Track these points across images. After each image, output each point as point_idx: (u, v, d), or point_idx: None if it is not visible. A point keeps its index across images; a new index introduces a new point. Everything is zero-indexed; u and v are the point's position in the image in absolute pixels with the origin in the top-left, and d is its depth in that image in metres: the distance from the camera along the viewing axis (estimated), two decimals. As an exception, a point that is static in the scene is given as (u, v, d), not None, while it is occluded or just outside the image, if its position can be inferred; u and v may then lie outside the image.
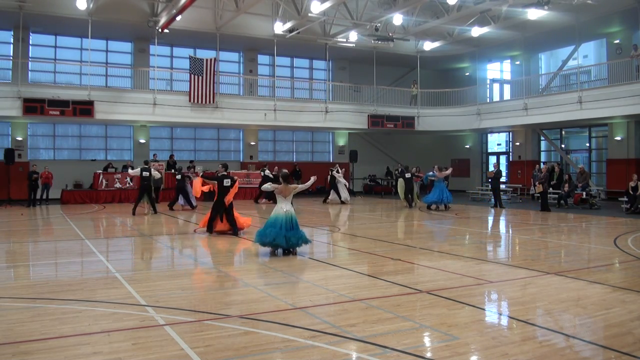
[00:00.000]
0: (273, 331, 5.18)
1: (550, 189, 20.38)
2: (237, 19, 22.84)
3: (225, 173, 12.27)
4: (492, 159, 29.42)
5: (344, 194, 22.51)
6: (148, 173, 17.23)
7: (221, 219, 12.23)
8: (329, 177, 23.00)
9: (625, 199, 18.12)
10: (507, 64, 29.87)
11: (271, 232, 9.24)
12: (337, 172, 22.78)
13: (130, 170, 19.01)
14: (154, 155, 24.77)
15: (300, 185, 9.95)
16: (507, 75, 29.80)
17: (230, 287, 7.17)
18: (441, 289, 6.92)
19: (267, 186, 10.02)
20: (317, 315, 5.72)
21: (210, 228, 12.29)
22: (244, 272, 8.21)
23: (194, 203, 19.40)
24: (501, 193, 21.24)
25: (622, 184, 20.57)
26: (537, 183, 19.20)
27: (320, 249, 11.10)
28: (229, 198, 11.96)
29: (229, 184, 12.09)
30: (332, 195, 22.62)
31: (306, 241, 9.63)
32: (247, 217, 13.17)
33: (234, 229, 12.12)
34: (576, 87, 22.46)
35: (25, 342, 4.85)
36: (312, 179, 10.31)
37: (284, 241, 9.25)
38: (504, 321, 5.83)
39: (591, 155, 25.38)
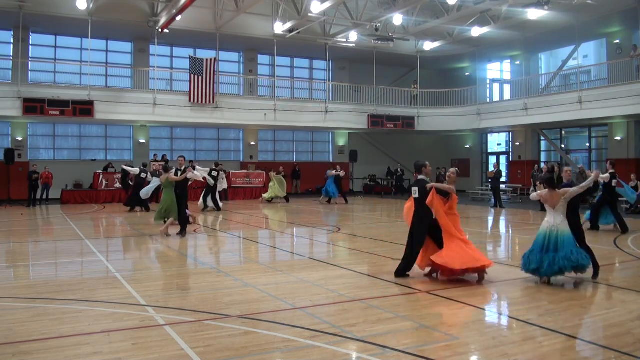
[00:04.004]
0: (273, 331, 5.18)
1: (551, 188, 20.36)
2: (237, 19, 22.84)
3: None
4: (492, 159, 29.41)
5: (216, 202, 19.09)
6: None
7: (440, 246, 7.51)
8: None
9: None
10: (507, 64, 29.86)
11: (535, 258, 7.17)
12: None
13: (193, 174, 13.43)
14: (154, 155, 24.77)
15: (572, 189, 7.25)
16: (507, 75, 29.79)
17: (230, 287, 7.17)
18: (441, 289, 6.92)
19: (534, 195, 7.58)
20: (317, 315, 5.72)
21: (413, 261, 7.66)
22: (244, 272, 8.20)
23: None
24: (501, 193, 21.25)
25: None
26: (538, 183, 19.18)
27: (320, 249, 11.11)
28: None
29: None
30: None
31: (578, 266, 6.94)
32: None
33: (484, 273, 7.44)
34: (576, 87, 22.45)
35: (25, 342, 4.85)
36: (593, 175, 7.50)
37: (548, 268, 6.98)
38: (504, 321, 5.83)
39: (591, 155, 25.37)
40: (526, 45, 25.03)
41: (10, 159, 21.09)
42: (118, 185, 22.56)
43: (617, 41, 23.05)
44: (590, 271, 7.24)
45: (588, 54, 26.40)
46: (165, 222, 12.08)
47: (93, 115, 21.59)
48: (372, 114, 26.80)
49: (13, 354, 4.56)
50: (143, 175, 18.53)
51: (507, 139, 29.40)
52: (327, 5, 19.49)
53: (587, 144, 25.62)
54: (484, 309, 6.24)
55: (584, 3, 19.18)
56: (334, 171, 22.43)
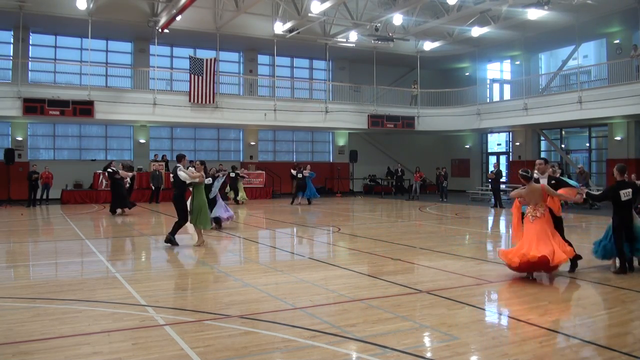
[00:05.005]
0: (273, 331, 5.18)
1: (551, 188, 20.38)
2: (237, 19, 22.84)
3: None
4: (492, 159, 29.40)
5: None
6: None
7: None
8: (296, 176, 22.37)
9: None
10: (507, 64, 29.86)
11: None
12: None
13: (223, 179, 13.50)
14: (154, 155, 24.77)
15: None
16: (507, 75, 29.79)
17: (230, 287, 7.17)
18: (441, 289, 6.92)
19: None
20: (317, 315, 5.72)
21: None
22: (244, 272, 8.20)
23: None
24: (501, 193, 21.25)
25: (622, 184, 20.56)
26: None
27: (320, 249, 11.11)
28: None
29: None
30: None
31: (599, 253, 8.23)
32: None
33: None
34: (576, 87, 22.45)
35: (25, 342, 4.84)
36: None
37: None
38: (504, 321, 5.83)
39: (591, 155, 25.37)
40: (526, 45, 25.03)
41: (10, 159, 21.10)
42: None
43: (617, 41, 23.04)
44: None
45: (588, 54, 26.39)
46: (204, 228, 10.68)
47: (93, 115, 21.59)
48: (372, 114, 26.79)
49: (13, 354, 4.56)
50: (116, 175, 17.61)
51: (507, 139, 29.40)
52: (327, 5, 19.50)
53: (587, 144, 25.62)
54: (484, 309, 6.24)
55: (584, 3, 19.18)
56: (306, 172, 22.18)
